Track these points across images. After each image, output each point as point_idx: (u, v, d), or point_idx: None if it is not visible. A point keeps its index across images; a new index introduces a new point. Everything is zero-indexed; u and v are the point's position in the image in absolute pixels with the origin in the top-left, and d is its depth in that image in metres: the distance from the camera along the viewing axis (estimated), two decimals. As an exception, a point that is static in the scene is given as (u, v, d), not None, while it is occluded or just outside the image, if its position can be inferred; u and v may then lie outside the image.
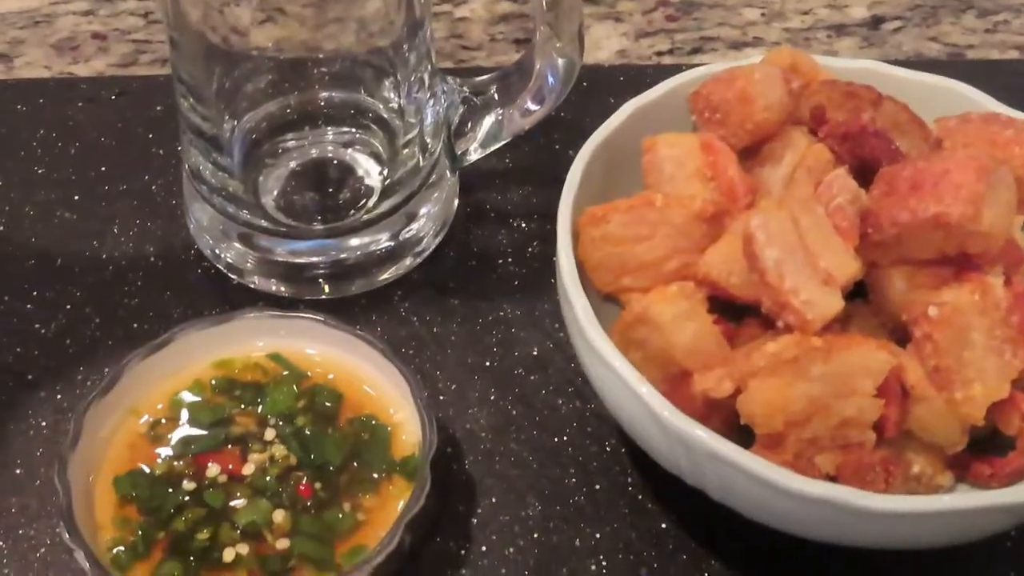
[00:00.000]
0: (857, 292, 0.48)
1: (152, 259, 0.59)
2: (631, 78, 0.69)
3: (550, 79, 0.54)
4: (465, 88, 0.57)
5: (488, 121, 0.57)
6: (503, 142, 0.58)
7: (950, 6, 0.77)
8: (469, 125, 0.57)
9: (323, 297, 0.57)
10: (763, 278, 0.44)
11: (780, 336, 0.44)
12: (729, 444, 0.42)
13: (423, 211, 0.59)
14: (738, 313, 0.49)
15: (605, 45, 0.74)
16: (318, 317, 0.51)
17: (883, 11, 0.77)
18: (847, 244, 0.45)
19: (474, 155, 0.58)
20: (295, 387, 0.51)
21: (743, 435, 0.45)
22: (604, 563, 0.48)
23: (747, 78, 0.51)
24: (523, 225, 0.61)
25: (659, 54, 0.73)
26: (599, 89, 0.67)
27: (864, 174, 0.50)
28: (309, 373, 0.51)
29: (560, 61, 0.54)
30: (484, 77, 0.58)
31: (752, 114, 0.51)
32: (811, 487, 0.41)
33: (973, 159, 0.45)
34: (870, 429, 0.44)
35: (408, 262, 0.58)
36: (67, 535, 0.44)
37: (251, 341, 0.52)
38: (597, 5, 0.76)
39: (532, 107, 0.55)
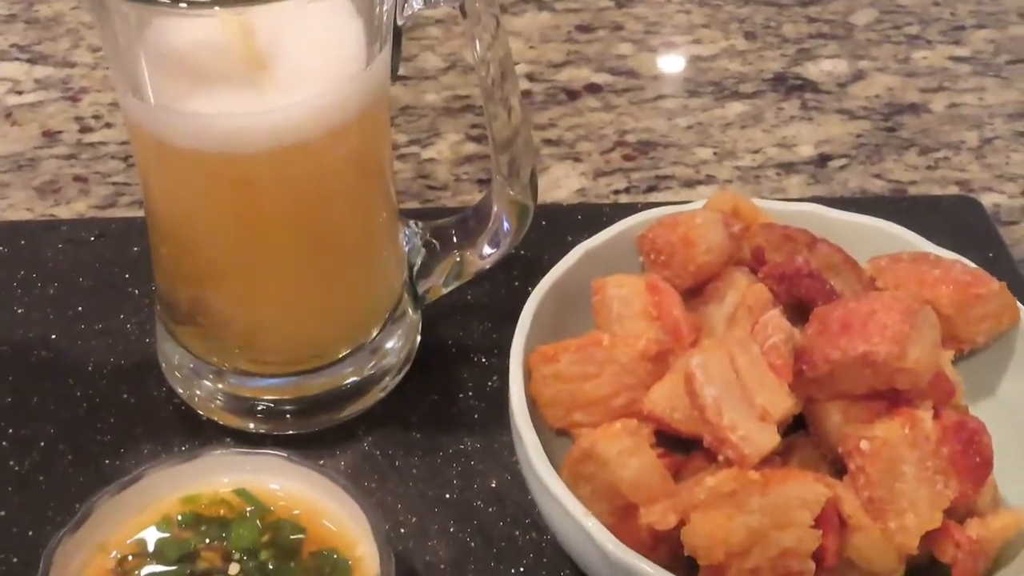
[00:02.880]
0: (799, 424, 0.51)
1: (125, 396, 0.61)
2: (588, 216, 0.72)
3: (505, 224, 0.57)
4: (426, 231, 0.60)
5: (449, 263, 0.60)
6: (463, 281, 0.61)
7: (893, 144, 0.81)
8: (431, 266, 0.60)
9: (290, 432, 0.59)
10: (703, 415, 0.47)
11: (720, 470, 0.46)
12: (671, 576, 0.44)
13: (387, 347, 0.61)
14: (686, 445, 0.51)
15: (564, 184, 0.77)
16: (282, 454, 0.53)
17: (829, 149, 0.81)
18: (781, 381, 0.47)
19: (435, 293, 0.61)
20: (259, 522, 0.52)
21: (689, 565, 0.47)
22: None
23: (689, 223, 0.54)
24: (483, 360, 0.63)
25: (616, 192, 0.77)
26: (557, 227, 0.70)
27: (802, 312, 0.53)
28: (273, 508, 0.53)
29: (515, 207, 0.58)
30: (444, 220, 0.61)
31: (694, 257, 0.54)
32: (750, 618, 0.43)
33: (898, 300, 0.48)
34: (809, 559, 0.46)
35: (373, 397, 0.61)
36: (33, 673, 0.45)
37: (217, 477, 0.53)
38: (557, 146, 0.80)
39: (489, 250, 0.58)
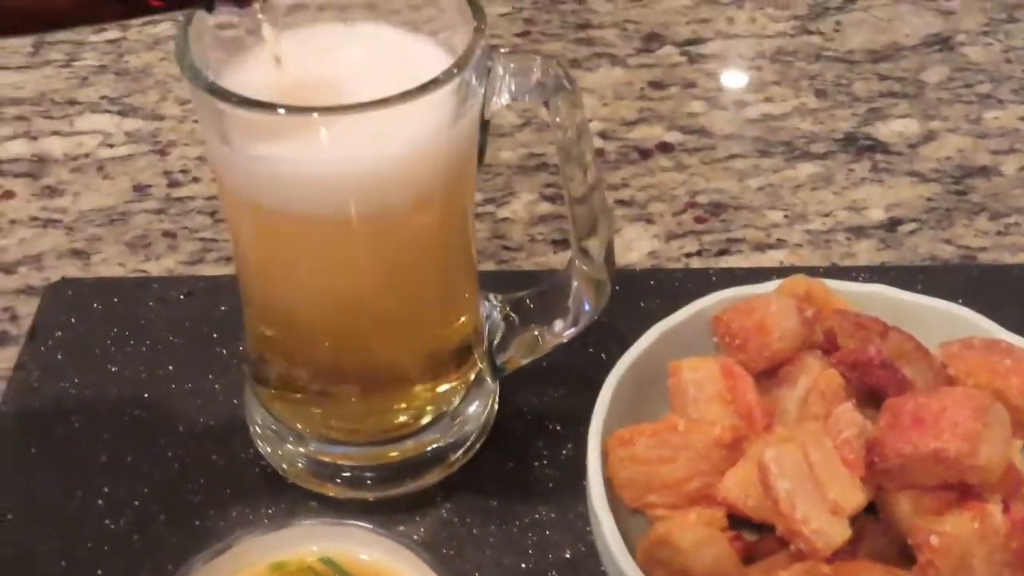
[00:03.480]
0: (871, 508, 0.52)
1: (214, 457, 0.64)
2: (660, 282, 0.74)
3: (585, 304, 0.59)
4: (505, 305, 0.62)
5: (527, 337, 0.62)
6: (541, 354, 0.62)
7: (963, 208, 0.82)
8: (509, 340, 0.62)
9: (370, 498, 0.61)
10: (776, 506, 0.48)
11: (792, 561, 0.48)
12: (744, 666, 0.46)
13: (468, 413, 0.63)
14: (758, 524, 0.53)
15: (636, 247, 0.79)
16: (367, 526, 0.55)
17: (899, 213, 0.81)
18: (853, 476, 0.49)
19: (513, 365, 0.63)
20: (344, 590, 0.55)
21: (760, 652, 0.48)
22: None
23: (764, 310, 0.56)
24: (558, 428, 0.65)
25: (688, 256, 0.78)
26: (631, 293, 0.72)
27: (874, 398, 0.54)
28: (357, 577, 0.55)
29: (591, 283, 0.59)
30: (522, 294, 0.63)
31: (769, 344, 0.55)
32: None
33: (970, 397, 0.49)
34: (880, 650, 0.48)
35: (452, 464, 0.63)
36: None
37: (305, 545, 0.56)
38: (630, 207, 0.82)
39: (568, 329, 0.60)
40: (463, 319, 0.60)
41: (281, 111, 0.47)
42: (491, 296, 0.63)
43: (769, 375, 0.57)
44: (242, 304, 0.61)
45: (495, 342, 0.62)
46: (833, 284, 0.60)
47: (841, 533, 0.48)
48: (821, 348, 0.57)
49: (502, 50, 0.53)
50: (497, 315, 0.62)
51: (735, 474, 0.51)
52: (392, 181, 0.51)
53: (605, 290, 0.60)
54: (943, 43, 0.98)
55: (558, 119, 0.55)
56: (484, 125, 0.55)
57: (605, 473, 0.54)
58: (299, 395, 0.61)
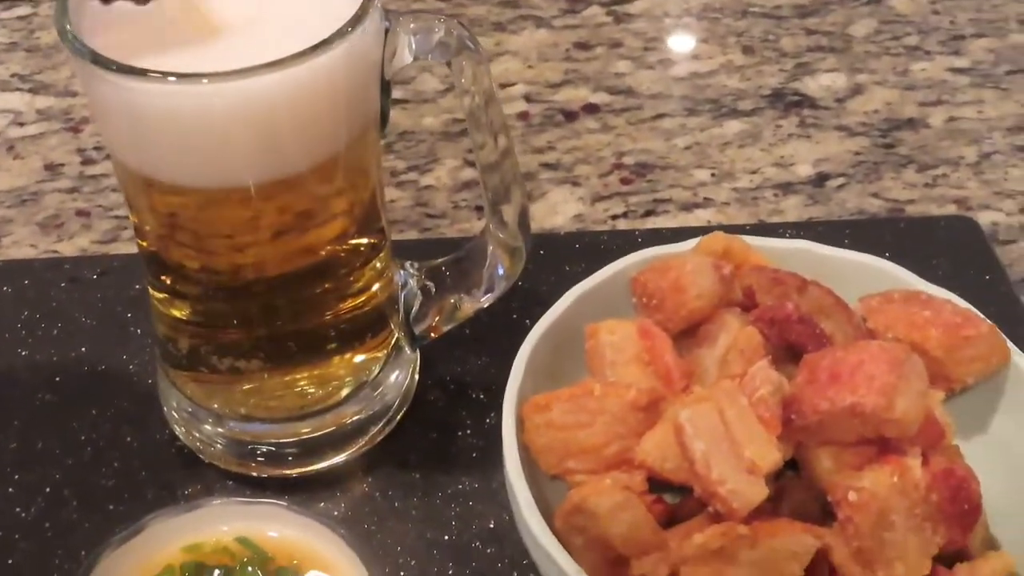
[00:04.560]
0: (792, 465, 0.51)
1: (128, 439, 0.62)
2: (586, 245, 0.72)
3: (499, 269, 0.58)
4: (422, 274, 0.61)
5: (444, 305, 0.60)
6: (459, 322, 0.61)
7: (891, 162, 0.81)
8: (427, 309, 0.61)
9: (290, 473, 0.60)
10: (692, 468, 0.48)
11: (710, 523, 0.47)
12: (662, 631, 0.45)
13: (388, 383, 0.62)
14: (680, 488, 0.52)
15: (562, 210, 0.78)
16: (281, 503, 0.54)
17: (828, 168, 0.81)
18: (770, 434, 0.48)
19: (432, 335, 0.62)
20: (260, 570, 0.53)
21: (681, 615, 0.48)
22: None
23: (680, 268, 0.55)
24: (481, 396, 0.64)
25: (614, 218, 0.77)
26: (555, 256, 0.71)
27: (793, 354, 0.53)
28: (273, 556, 0.54)
29: (506, 249, 0.58)
30: (438, 262, 0.61)
31: (686, 302, 0.54)
32: (739, 674, 0.44)
33: (886, 351, 0.48)
34: (800, 609, 0.47)
35: (372, 436, 0.61)
36: None
37: (218, 526, 0.54)
38: (555, 170, 0.81)
39: (484, 296, 0.59)
40: (375, 289, 0.59)
41: (171, 79, 0.45)
42: (407, 264, 0.62)
43: (689, 335, 0.56)
44: (146, 281, 0.59)
45: (413, 311, 0.61)
46: (754, 241, 0.59)
47: (758, 492, 0.47)
48: (741, 306, 0.56)
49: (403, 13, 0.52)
50: (413, 283, 0.61)
51: (652, 437, 0.50)
52: (288, 145, 0.49)
53: (520, 256, 0.59)
54: (871, -5, 0.97)
55: (463, 81, 0.53)
56: (385, 87, 0.53)
57: (522, 440, 0.53)
58: (212, 374, 0.59)
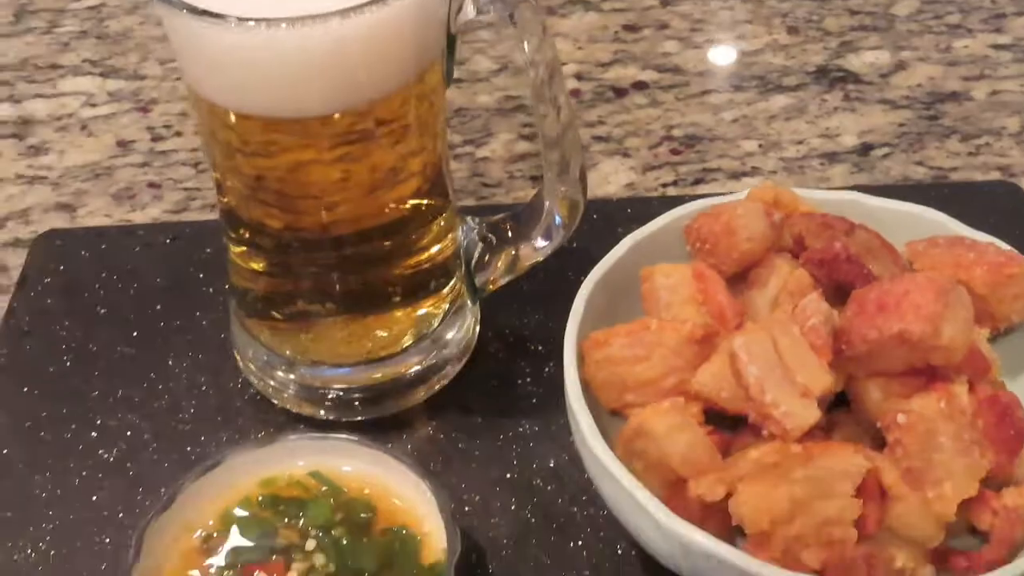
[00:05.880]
0: (841, 401, 0.53)
1: (204, 387, 0.65)
2: (637, 210, 0.75)
3: (557, 219, 0.60)
4: (483, 227, 0.64)
5: (504, 256, 0.63)
6: (519, 274, 0.64)
7: (934, 132, 0.83)
8: (487, 260, 0.63)
9: (358, 419, 0.63)
10: (747, 393, 0.50)
11: (765, 444, 0.49)
12: (721, 544, 0.47)
13: (448, 337, 0.64)
14: (733, 424, 0.54)
15: (613, 179, 0.80)
16: (352, 438, 0.57)
17: (872, 139, 0.83)
18: (821, 360, 0.50)
19: (493, 286, 0.64)
20: (332, 502, 0.56)
21: (738, 535, 0.50)
22: (616, 657, 0.53)
23: (731, 213, 0.57)
24: (539, 348, 0.67)
25: (664, 186, 0.80)
26: (607, 221, 0.73)
27: (842, 295, 0.55)
28: (345, 488, 0.57)
29: (566, 203, 0.61)
30: (499, 216, 0.64)
31: (737, 244, 0.57)
32: (795, 581, 0.46)
33: (932, 281, 0.50)
34: (851, 527, 0.49)
35: (436, 385, 0.64)
36: (131, 638, 0.49)
37: (293, 461, 0.57)
38: (606, 142, 0.83)
39: (542, 244, 0.61)
40: (441, 239, 0.61)
41: (250, 23, 0.48)
42: (469, 219, 0.64)
43: (740, 280, 0.58)
44: (225, 238, 0.63)
45: (473, 262, 0.63)
46: (801, 192, 0.61)
47: (811, 415, 0.49)
48: (790, 253, 0.58)
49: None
50: (475, 236, 0.64)
51: (708, 368, 0.53)
52: (358, 81, 0.52)
53: (578, 209, 0.62)
54: (913, -23, 0.99)
55: (525, 42, 0.55)
56: (451, 44, 0.56)
57: (582, 377, 0.55)
58: (285, 322, 0.62)
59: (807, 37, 0.93)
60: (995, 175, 0.79)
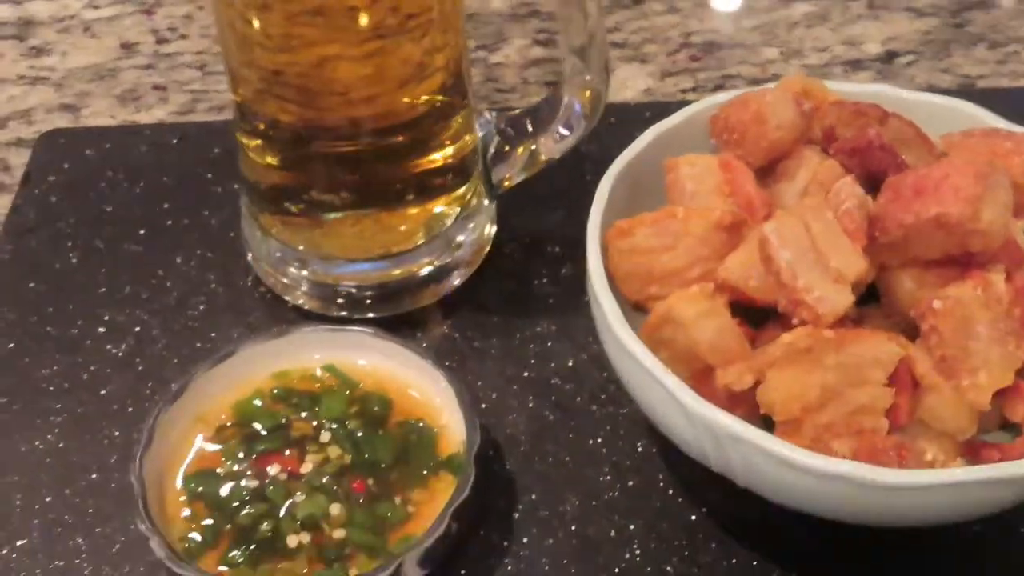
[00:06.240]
0: (871, 296, 0.52)
1: (213, 285, 0.64)
2: (656, 113, 0.71)
3: (577, 107, 0.58)
4: (501, 120, 0.62)
5: (522, 150, 0.61)
6: (537, 169, 0.62)
7: (961, 40, 0.81)
8: (504, 154, 0.61)
9: (371, 316, 0.61)
10: (778, 278, 0.48)
11: (794, 329, 0.48)
12: (751, 427, 0.46)
13: (462, 237, 0.63)
14: (758, 319, 0.52)
15: (631, 85, 0.78)
16: (367, 330, 0.55)
17: (896, 46, 0.81)
18: (855, 245, 0.48)
19: (509, 183, 0.62)
20: (348, 394, 0.55)
21: (765, 427, 0.48)
22: (638, 552, 0.52)
23: (760, 101, 0.55)
24: (556, 249, 0.65)
25: (683, 92, 0.78)
26: (626, 124, 0.71)
27: (874, 186, 0.53)
28: (360, 382, 0.55)
29: (587, 92, 0.59)
30: (517, 111, 0.62)
31: (766, 133, 0.55)
32: (829, 464, 0.44)
33: (971, 164, 0.48)
34: (883, 416, 0.48)
35: (450, 284, 0.62)
36: (144, 524, 0.48)
37: (307, 354, 0.56)
38: (623, 48, 0.81)
39: (563, 132, 0.59)
40: (458, 138, 0.60)
41: None
42: (487, 113, 0.62)
43: (768, 173, 0.56)
44: (239, 132, 0.61)
45: (489, 155, 0.62)
46: (832, 84, 0.59)
47: (845, 300, 0.47)
48: (820, 146, 0.57)
49: None
50: (492, 129, 0.62)
51: (736, 256, 0.51)
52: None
53: (600, 100, 0.60)
54: None
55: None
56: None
57: (605, 268, 0.53)
58: (299, 216, 0.60)
59: (829, -55, 0.90)
60: (1023, 82, 0.77)
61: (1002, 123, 0.57)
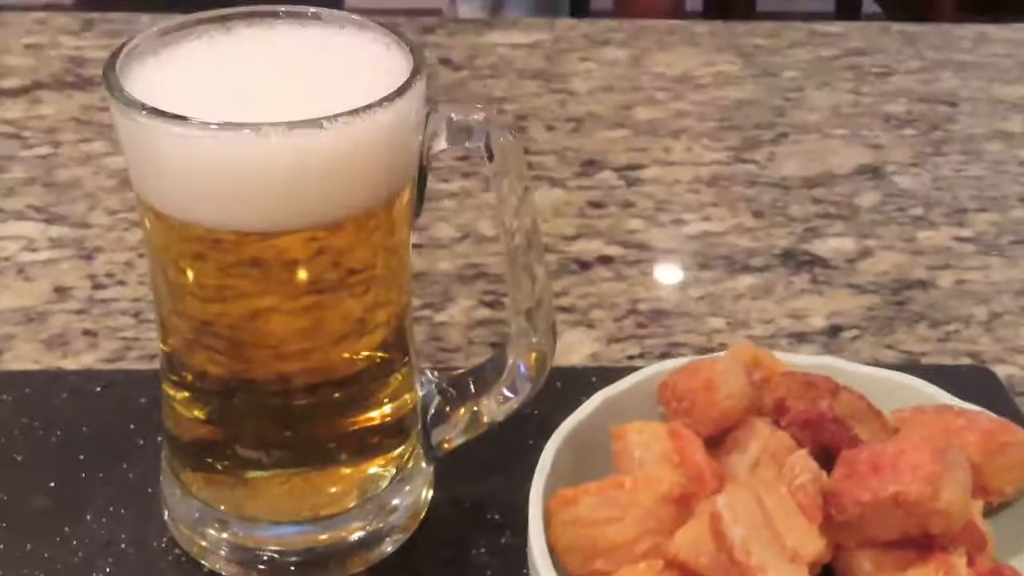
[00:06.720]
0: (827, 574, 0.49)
1: (123, 546, 0.59)
2: (603, 378, 0.70)
3: (523, 369, 0.57)
4: (442, 380, 0.60)
5: (464, 411, 0.59)
6: (479, 432, 0.59)
7: (903, 317, 0.81)
8: (445, 414, 0.59)
9: (293, 585, 0.57)
10: (731, 556, 0.45)
11: (750, 615, 0.44)
12: None
13: (397, 500, 0.59)
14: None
15: (578, 349, 0.77)
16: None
17: (841, 321, 0.81)
18: (811, 523, 0.46)
19: (449, 445, 0.60)
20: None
21: None
22: None
23: (711, 369, 0.54)
24: (496, 517, 0.62)
25: (630, 358, 0.76)
26: (572, 388, 0.69)
27: (825, 460, 0.51)
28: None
29: (533, 355, 0.57)
30: (460, 371, 0.60)
31: (716, 402, 0.53)
32: None
33: (927, 441, 0.47)
34: None
35: (383, 550, 0.59)
36: None
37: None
38: (571, 313, 0.80)
39: (507, 394, 0.57)
40: (397, 397, 0.57)
41: (213, 126, 0.45)
42: (428, 371, 0.60)
43: (717, 443, 0.54)
44: (165, 383, 0.58)
45: (429, 416, 0.59)
46: (781, 355, 0.58)
47: (801, 582, 0.44)
48: (770, 417, 0.55)
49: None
50: (433, 389, 0.60)
51: (686, 531, 0.48)
52: (315, 198, 0.49)
53: (545, 363, 0.58)
54: (874, 172, 1.00)
55: (504, 186, 0.53)
56: (422, 174, 0.53)
57: (548, 541, 0.50)
58: (223, 475, 0.57)
59: (772, 222, 0.92)
60: (965, 361, 0.77)
61: (952, 400, 0.56)
